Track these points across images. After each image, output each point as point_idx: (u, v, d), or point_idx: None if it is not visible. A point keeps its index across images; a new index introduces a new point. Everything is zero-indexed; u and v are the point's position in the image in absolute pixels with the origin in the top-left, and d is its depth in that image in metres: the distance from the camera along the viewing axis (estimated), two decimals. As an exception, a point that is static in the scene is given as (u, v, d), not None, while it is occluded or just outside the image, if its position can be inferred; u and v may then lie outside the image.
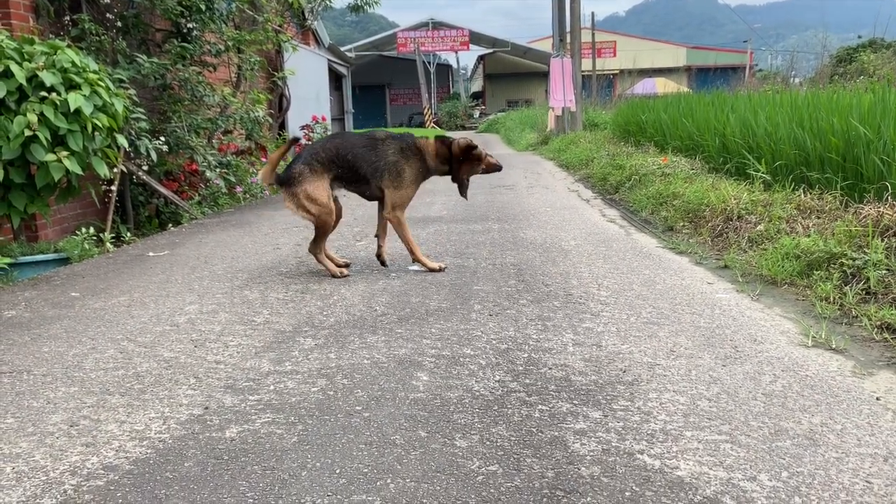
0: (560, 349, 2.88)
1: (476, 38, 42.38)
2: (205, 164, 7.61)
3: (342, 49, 20.51)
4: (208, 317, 3.50)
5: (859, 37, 34.58)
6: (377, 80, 46.44)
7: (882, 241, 3.74)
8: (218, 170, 7.94)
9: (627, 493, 1.78)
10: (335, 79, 17.82)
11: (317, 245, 4.30)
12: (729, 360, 2.71)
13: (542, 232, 5.72)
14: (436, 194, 8.50)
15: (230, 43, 8.45)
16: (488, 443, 2.06)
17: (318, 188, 4.13)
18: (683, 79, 40.86)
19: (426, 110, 36.73)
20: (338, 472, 1.91)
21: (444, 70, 50.31)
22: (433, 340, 3.02)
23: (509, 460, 1.96)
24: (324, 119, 14.07)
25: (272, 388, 2.54)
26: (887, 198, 4.27)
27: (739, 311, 3.40)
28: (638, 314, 3.35)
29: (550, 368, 2.66)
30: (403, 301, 3.69)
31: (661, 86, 30.59)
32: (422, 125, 36.05)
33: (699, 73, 40.41)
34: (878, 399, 2.33)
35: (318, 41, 16.45)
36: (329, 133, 14.18)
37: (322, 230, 4.23)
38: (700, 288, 3.85)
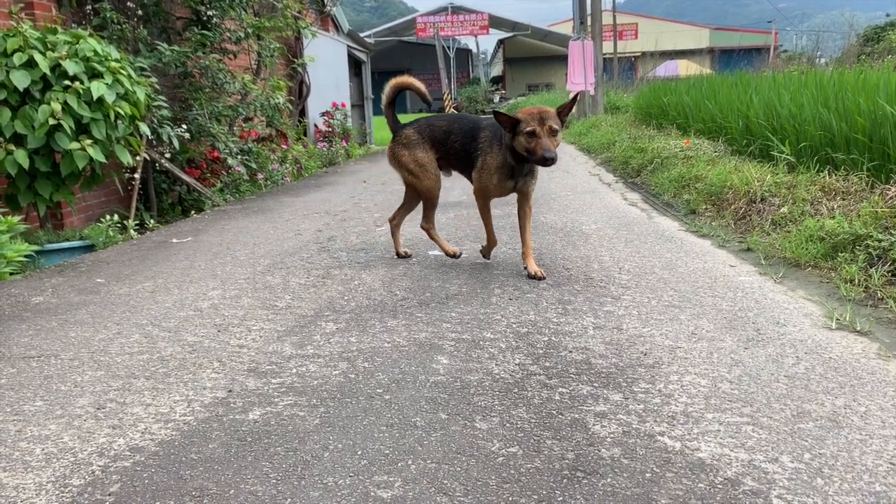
0: (580, 332, 2.88)
1: (496, 22, 42.09)
2: (226, 151, 7.66)
3: (361, 35, 20.49)
4: (231, 302, 3.53)
5: (887, 15, 33.88)
6: (397, 65, 46.05)
7: (909, 222, 3.68)
8: (239, 157, 8.00)
9: (648, 475, 1.78)
10: (355, 65, 17.80)
11: (426, 221, 4.32)
12: (751, 343, 2.69)
13: (562, 216, 5.70)
14: (456, 178, 8.48)
15: (250, 30, 8.46)
16: (508, 425, 2.07)
17: (419, 156, 4.14)
18: (707, 60, 40.24)
19: (446, 95, 36.59)
20: (359, 453, 1.93)
21: (464, 55, 50.11)
22: (453, 324, 3.03)
23: (529, 442, 1.96)
24: (343, 105, 14.09)
25: (294, 371, 2.56)
26: (915, 178, 4.20)
27: (762, 293, 3.37)
28: (659, 297, 3.33)
29: (571, 352, 2.66)
30: (423, 285, 3.70)
31: (684, 68, 30.16)
32: (441, 110, 35.93)
33: (722, 54, 39.80)
34: (903, 381, 2.31)
35: (337, 27, 16.44)
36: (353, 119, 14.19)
37: (426, 198, 4.25)
38: (722, 271, 3.82)
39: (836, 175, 5.00)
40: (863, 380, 2.33)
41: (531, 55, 47.36)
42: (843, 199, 4.54)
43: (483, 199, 4.05)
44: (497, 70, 55.74)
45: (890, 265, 3.41)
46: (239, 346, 2.87)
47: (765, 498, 1.66)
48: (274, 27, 9.12)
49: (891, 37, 23.08)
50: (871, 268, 3.46)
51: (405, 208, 4.44)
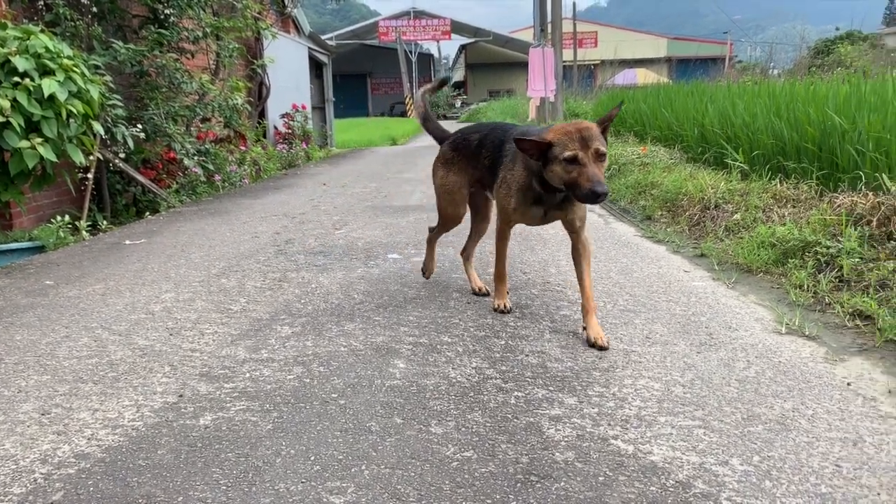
0: (537, 336, 2.89)
1: (458, 28, 42.18)
2: (183, 151, 7.53)
3: (323, 37, 20.35)
4: (184, 305, 3.47)
5: (837, 29, 34.90)
6: (358, 68, 46.14)
7: (855, 229, 3.78)
8: (196, 158, 7.86)
9: (601, 478, 1.79)
10: (316, 67, 17.66)
11: (434, 233, 3.78)
12: (704, 347, 2.73)
13: (521, 221, 5.73)
14: (416, 183, 8.48)
15: (208, 30, 8.34)
16: (464, 429, 2.07)
17: (449, 180, 3.52)
18: (664, 69, 40.98)
19: (407, 99, 36.59)
20: (312, 458, 1.91)
21: (426, 59, 50.09)
22: (411, 328, 3.02)
23: (484, 446, 1.96)
24: (304, 107, 13.97)
25: (248, 375, 2.52)
26: (861, 187, 4.32)
27: (715, 298, 3.43)
28: (615, 302, 3.36)
29: (527, 355, 2.67)
30: (381, 289, 3.68)
31: (642, 76, 30.66)
32: (403, 115, 35.96)
33: (680, 63, 40.58)
34: (849, 385, 2.36)
35: (298, 29, 16.30)
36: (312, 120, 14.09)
37: (440, 220, 3.66)
38: (677, 276, 3.88)
39: (787, 183, 5.12)
40: (811, 383, 2.38)
41: (493, 61, 47.64)
42: (794, 207, 4.65)
43: (501, 224, 3.27)
44: (459, 75, 55.87)
45: (837, 271, 3.50)
46: (191, 349, 2.81)
47: (715, 500, 1.69)
48: (233, 27, 8.99)
49: (840, 50, 23.78)
50: (819, 273, 3.55)
51: (473, 237, 3.78)
